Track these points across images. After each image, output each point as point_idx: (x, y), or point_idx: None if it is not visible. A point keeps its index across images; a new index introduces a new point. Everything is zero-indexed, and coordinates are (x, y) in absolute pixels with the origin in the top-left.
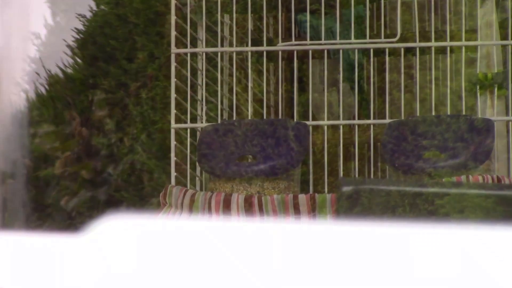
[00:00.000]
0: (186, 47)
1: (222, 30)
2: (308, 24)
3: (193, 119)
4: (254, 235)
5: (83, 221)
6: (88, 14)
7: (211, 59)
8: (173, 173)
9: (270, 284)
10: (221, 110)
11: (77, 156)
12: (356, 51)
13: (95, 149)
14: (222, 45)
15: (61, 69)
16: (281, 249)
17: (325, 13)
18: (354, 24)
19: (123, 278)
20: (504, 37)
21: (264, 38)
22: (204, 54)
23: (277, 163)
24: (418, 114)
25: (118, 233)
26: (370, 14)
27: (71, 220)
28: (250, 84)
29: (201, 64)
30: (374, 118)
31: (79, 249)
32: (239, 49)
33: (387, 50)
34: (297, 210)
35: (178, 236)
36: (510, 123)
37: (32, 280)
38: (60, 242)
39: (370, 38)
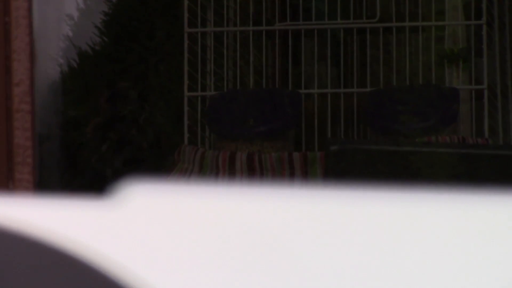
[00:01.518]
0: (197, 27)
1: (228, 13)
2: (300, 7)
3: (203, 88)
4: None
5: (110, 176)
6: None
7: (218, 37)
8: (186, 135)
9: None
10: (227, 80)
11: (105, 121)
12: (342, 30)
13: (120, 115)
14: (227, 25)
15: (90, 46)
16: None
17: None
18: (339, 7)
19: (144, 242)
20: (467, 18)
21: (264, 19)
22: (212, 33)
23: (275, 126)
24: (394, 83)
25: (140, 196)
26: None
27: (99, 175)
28: (251, 59)
29: (210, 42)
30: (357, 87)
31: (105, 213)
32: (242, 28)
33: (368, 29)
34: (291, 166)
35: (195, 200)
36: (473, 91)
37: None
38: (87, 204)
39: (353, 19)
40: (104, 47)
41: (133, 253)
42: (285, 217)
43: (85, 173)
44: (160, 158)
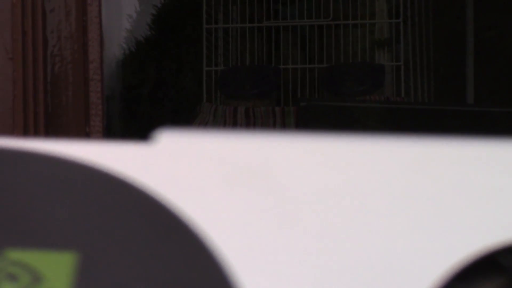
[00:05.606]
0: (211, 24)
1: (232, 14)
2: (280, 10)
3: (216, 65)
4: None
5: (156, 123)
6: (158, 4)
7: (226, 31)
8: (205, 95)
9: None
10: (231, 60)
11: (153, 85)
12: (307, 26)
13: (163, 82)
14: (232, 23)
15: (143, 36)
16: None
17: (291, 3)
18: (306, 10)
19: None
20: (390, 17)
21: (256, 19)
22: (222, 28)
23: (263, 89)
24: (342, 61)
25: (175, 138)
26: (316, 2)
27: (149, 123)
28: (247, 45)
29: (220, 34)
30: (317, 64)
31: (148, 152)
32: (241, 25)
33: (324, 25)
34: (274, 116)
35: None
36: (394, 66)
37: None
38: (138, 145)
39: (315, 18)
40: (152, 37)
41: (168, 185)
42: (272, 153)
43: (139, 121)
44: (188, 111)
